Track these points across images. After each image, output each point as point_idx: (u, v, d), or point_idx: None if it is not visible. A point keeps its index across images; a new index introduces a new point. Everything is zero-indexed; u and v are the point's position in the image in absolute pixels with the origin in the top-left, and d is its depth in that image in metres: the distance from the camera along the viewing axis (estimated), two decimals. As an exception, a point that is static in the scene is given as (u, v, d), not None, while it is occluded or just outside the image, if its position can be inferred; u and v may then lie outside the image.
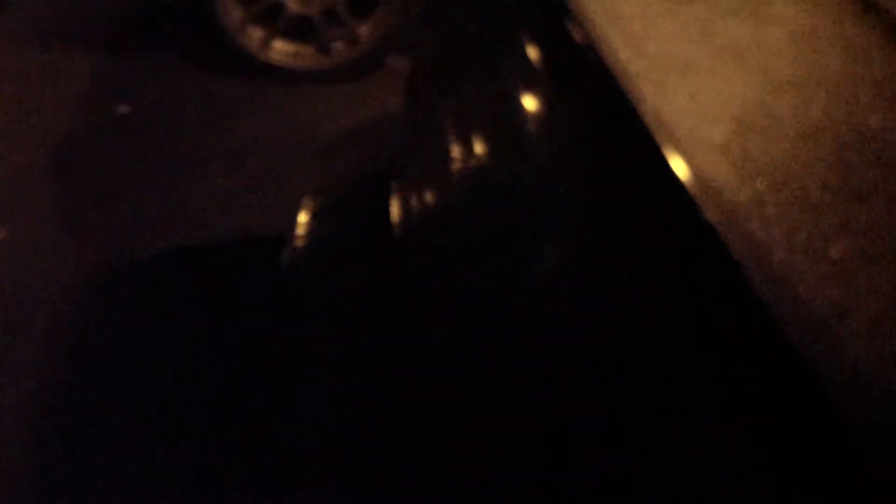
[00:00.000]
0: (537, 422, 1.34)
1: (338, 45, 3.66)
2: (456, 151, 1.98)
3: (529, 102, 1.66)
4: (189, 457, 2.23)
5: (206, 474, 2.20)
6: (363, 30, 3.64)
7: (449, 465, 1.63)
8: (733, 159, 1.01)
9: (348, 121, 3.41)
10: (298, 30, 3.62)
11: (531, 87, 1.65)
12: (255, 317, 2.45)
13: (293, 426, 2.26)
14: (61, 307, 2.55)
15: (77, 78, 3.47)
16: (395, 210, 2.14)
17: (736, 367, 0.94)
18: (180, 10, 3.54)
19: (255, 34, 3.60)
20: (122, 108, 3.36)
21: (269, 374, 2.36)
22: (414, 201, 2.12)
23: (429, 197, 2.12)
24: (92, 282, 2.65)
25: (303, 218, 2.40)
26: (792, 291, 0.86)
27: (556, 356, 1.24)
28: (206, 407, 2.31)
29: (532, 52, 1.65)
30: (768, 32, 1.26)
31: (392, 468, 1.85)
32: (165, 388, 2.36)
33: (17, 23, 3.67)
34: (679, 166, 1.01)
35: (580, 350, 1.20)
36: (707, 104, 1.11)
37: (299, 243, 2.31)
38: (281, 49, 3.65)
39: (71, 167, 3.05)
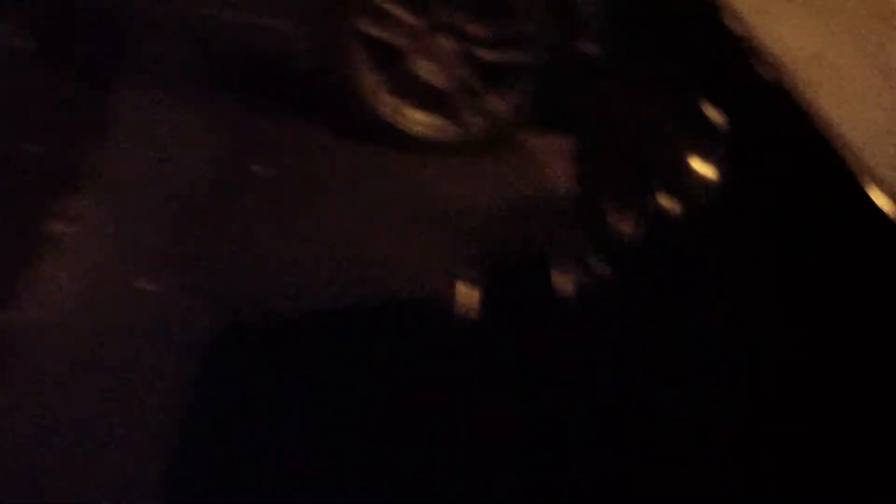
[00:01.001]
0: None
1: (471, 118, 3.65)
2: (622, 223, 1.95)
3: (704, 168, 1.63)
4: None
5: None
6: (497, 103, 3.63)
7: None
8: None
9: (485, 193, 3.39)
10: (432, 100, 3.63)
11: (707, 153, 1.62)
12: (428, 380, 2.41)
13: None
14: (198, 363, 2.54)
15: (212, 136, 3.49)
16: (561, 282, 2.11)
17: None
18: (313, 74, 3.56)
19: (388, 101, 3.61)
20: (257, 168, 3.37)
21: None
22: (582, 273, 2.09)
23: (598, 269, 2.08)
24: (231, 340, 2.63)
25: (463, 287, 2.39)
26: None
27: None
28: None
29: (712, 114, 1.62)
30: None
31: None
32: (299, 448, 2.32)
33: (153, 79, 3.72)
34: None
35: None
36: None
37: (465, 311, 2.28)
38: (413, 118, 3.64)
39: (211, 224, 3.07)
